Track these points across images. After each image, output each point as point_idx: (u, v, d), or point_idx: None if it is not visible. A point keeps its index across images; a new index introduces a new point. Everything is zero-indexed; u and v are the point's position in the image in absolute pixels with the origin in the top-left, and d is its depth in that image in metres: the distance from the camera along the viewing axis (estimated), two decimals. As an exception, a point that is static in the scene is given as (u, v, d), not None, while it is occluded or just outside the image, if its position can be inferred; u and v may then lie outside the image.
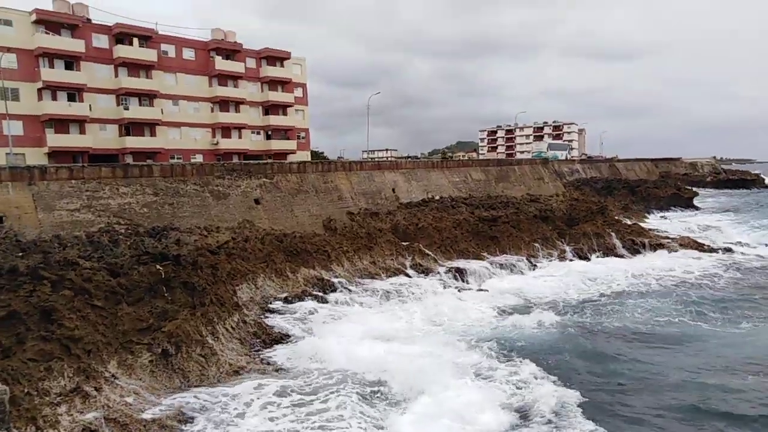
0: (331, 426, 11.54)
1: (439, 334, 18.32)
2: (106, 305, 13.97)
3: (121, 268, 15.86)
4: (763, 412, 12.33)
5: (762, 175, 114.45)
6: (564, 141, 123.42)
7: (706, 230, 41.00)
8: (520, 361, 15.34)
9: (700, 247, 32.70)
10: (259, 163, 29.79)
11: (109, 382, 11.96)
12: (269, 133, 55.47)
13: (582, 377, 14.76)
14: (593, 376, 14.93)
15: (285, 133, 56.46)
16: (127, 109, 43.79)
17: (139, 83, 44.29)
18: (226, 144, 50.56)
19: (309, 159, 49.57)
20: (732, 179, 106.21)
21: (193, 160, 44.36)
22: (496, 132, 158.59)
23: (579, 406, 12.70)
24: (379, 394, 13.36)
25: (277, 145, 54.65)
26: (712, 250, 32.12)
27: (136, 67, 44.29)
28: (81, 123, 41.10)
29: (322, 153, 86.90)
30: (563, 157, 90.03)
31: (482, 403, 12.57)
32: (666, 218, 51.06)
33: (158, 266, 16.03)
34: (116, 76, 43.48)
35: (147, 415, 11.39)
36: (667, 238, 35.02)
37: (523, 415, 12.41)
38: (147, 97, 45.49)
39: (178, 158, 45.23)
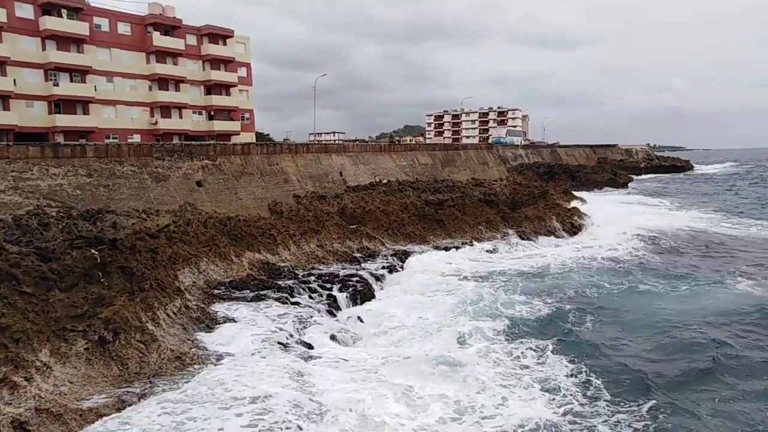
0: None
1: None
2: (36, 291, 13.20)
3: (52, 252, 15.03)
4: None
5: (691, 161, 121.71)
6: (519, 128, 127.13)
7: (637, 210, 43.31)
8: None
9: (630, 227, 34.42)
10: (202, 145, 28.85)
11: (40, 372, 11.36)
12: (212, 113, 53.80)
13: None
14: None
15: (228, 113, 54.91)
16: (56, 85, 41.23)
17: (70, 58, 41.73)
18: (165, 124, 48.62)
19: (254, 141, 48.46)
20: (664, 165, 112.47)
21: (130, 140, 42.39)
22: (442, 117, 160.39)
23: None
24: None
25: (220, 126, 53.10)
26: (643, 232, 33.84)
27: (65, 41, 41.68)
28: (5, 98, 38.39)
29: (268, 135, 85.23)
30: (519, 143, 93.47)
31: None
32: (603, 203, 53.46)
33: (93, 250, 15.29)
34: (44, 49, 40.76)
35: (83, 405, 10.92)
36: (602, 219, 36.65)
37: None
38: (79, 73, 42.98)
39: (114, 138, 43.13)
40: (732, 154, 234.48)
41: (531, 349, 15.25)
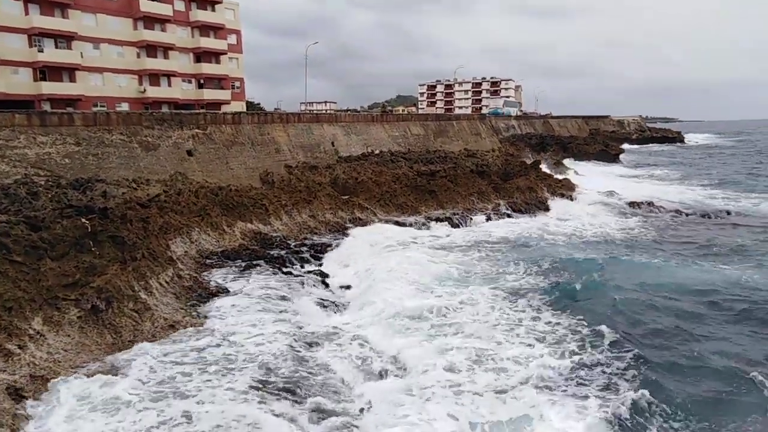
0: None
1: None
2: (26, 260, 13.18)
3: (42, 221, 14.93)
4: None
5: (682, 133, 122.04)
6: (514, 99, 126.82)
7: (626, 185, 43.58)
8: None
9: (619, 198, 34.67)
10: (192, 113, 28.46)
11: (34, 340, 11.44)
12: (201, 81, 52.92)
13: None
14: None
15: (218, 82, 54.04)
16: (41, 51, 40.23)
17: (54, 23, 40.64)
18: (154, 92, 47.82)
19: (244, 110, 47.86)
20: (655, 136, 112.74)
21: (118, 109, 41.70)
22: (435, 87, 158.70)
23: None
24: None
25: (210, 94, 52.31)
26: (634, 204, 34.08)
27: (49, 5, 40.54)
28: (-13, 65, 37.51)
29: (258, 104, 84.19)
30: (516, 113, 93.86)
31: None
32: (595, 174, 53.70)
33: (83, 219, 15.22)
34: (27, 14, 39.65)
35: (79, 372, 11.05)
36: (594, 190, 36.86)
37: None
38: (64, 39, 41.95)
39: (101, 106, 42.41)
40: (721, 126, 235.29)
41: (520, 304, 15.65)
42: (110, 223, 15.95)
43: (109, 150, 22.70)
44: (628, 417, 10.23)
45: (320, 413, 10.45)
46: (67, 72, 42.16)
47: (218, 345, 13.00)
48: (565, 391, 11.25)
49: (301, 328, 14.49)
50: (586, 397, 10.98)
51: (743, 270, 19.41)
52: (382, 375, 12.22)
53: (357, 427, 10.07)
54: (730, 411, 10.40)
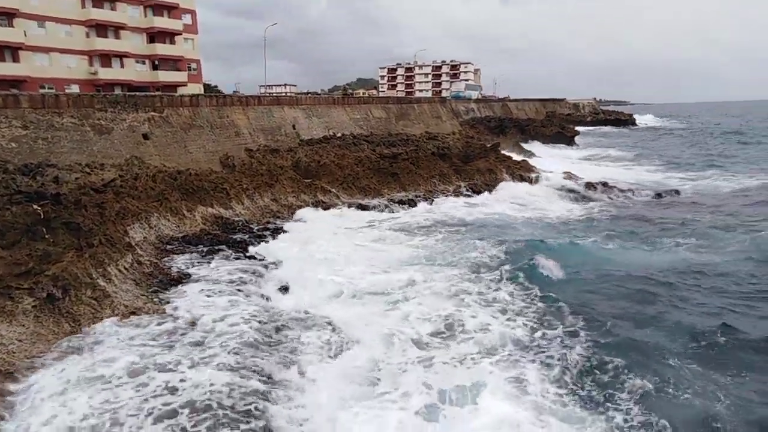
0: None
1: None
2: (-25, 249, 12.64)
3: (-11, 208, 14.30)
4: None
5: (634, 115, 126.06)
6: (474, 83, 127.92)
7: (582, 166, 44.88)
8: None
9: (578, 180, 35.63)
10: (147, 96, 27.55)
11: (-14, 331, 11.04)
12: (156, 63, 51.14)
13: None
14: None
15: (174, 63, 52.34)
16: (-20, 29, 37.99)
17: (-7, -1, 38.37)
18: (106, 74, 45.96)
19: (202, 92, 46.59)
20: (609, 119, 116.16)
21: (68, 91, 39.89)
22: (396, 70, 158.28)
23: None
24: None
25: (165, 76, 50.64)
26: (590, 185, 35.07)
27: (-13, -20, 38.20)
28: None
29: (216, 87, 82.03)
30: (477, 97, 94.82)
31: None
32: (551, 156, 55.02)
33: (35, 206, 14.65)
34: (-38, -12, 37.30)
35: (35, 362, 10.74)
36: (551, 172, 37.77)
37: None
38: (4, 16, 39.69)
39: (49, 88, 40.45)
40: (671, 109, 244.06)
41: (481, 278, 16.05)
42: (64, 209, 15.42)
43: (59, 134, 21.78)
44: (580, 383, 10.83)
45: (288, 391, 10.55)
46: (10, 51, 39.95)
47: (183, 330, 12.87)
48: (521, 360, 11.73)
49: (267, 311, 14.44)
50: (548, 365, 11.54)
51: (692, 248, 20.33)
52: (343, 350, 12.41)
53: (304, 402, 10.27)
54: (675, 381, 11.03)
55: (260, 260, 18.96)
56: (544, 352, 12.15)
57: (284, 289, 16.44)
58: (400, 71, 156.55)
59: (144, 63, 50.12)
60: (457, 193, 31.99)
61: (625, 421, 9.66)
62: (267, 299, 15.44)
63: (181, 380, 10.56)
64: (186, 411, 9.67)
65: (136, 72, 48.71)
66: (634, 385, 10.60)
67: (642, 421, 9.61)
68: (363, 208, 27.92)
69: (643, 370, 11.17)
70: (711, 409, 9.90)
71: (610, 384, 10.81)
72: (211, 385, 10.39)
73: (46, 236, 14.24)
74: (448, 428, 9.57)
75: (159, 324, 13.15)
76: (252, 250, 19.87)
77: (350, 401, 10.31)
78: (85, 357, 11.28)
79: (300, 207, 26.84)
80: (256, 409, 9.87)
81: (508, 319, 13.87)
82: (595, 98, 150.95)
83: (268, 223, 24.20)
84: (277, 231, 22.80)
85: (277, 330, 13.35)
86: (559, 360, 11.76)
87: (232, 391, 10.29)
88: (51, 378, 10.36)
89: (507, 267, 17.62)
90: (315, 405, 10.17)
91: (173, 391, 10.25)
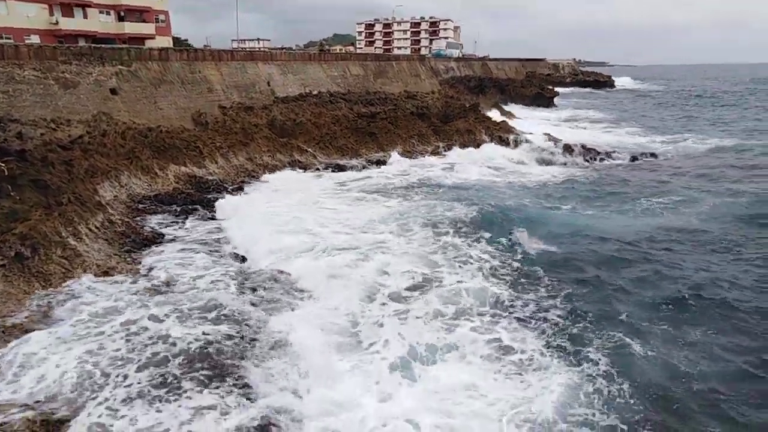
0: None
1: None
2: (-65, 207, 12.14)
3: (-51, 165, 13.68)
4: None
5: (613, 77, 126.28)
6: (454, 41, 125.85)
7: (561, 128, 45.03)
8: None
9: (557, 141, 35.75)
10: (114, 48, 26.33)
11: (-48, 291, 10.72)
12: (121, 14, 48.77)
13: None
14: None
15: (140, 14, 50.03)
16: (-72, -28, 35.50)
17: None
18: (68, 24, 43.70)
19: (171, 46, 44.78)
20: (587, 80, 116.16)
21: (27, 42, 37.88)
22: (373, 26, 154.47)
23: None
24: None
25: (131, 28, 48.45)
26: (567, 146, 35.23)
27: None
28: None
29: (186, 40, 78.95)
30: (458, 55, 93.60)
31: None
32: (530, 116, 54.98)
33: (-2, 163, 14.06)
34: None
35: (7, 321, 10.51)
36: (530, 133, 37.77)
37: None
38: (-44, -40, 37.14)
39: (7, 38, 38.33)
40: (654, 71, 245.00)
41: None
42: (30, 166, 14.85)
43: (21, 87, 20.73)
44: (552, 339, 11.12)
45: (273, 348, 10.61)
46: (-36, -2, 37.61)
47: (159, 289, 12.73)
48: (495, 318, 11.94)
49: (242, 272, 14.33)
50: (522, 320, 11.80)
51: (667, 210, 20.69)
52: (317, 302, 12.64)
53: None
54: (643, 338, 11.38)
55: (227, 220, 18.63)
56: (518, 310, 12.39)
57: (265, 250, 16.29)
58: (378, 27, 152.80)
59: (109, 14, 47.73)
60: (435, 154, 31.83)
61: (594, 372, 9.97)
62: (242, 260, 15.30)
63: (166, 334, 10.65)
64: (177, 360, 9.89)
65: (100, 23, 46.44)
66: (604, 343, 10.93)
67: (606, 371, 9.95)
68: (340, 168, 27.65)
69: (614, 328, 11.51)
70: (673, 363, 10.31)
71: (579, 340, 11.10)
72: (192, 338, 10.45)
73: (12, 194, 13.74)
74: (422, 384, 9.71)
75: (133, 283, 12.98)
76: (221, 210, 19.43)
77: (331, 352, 10.47)
78: (64, 313, 11.16)
79: (276, 167, 26.44)
80: (234, 362, 9.94)
81: (483, 279, 14.03)
82: (575, 59, 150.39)
83: (243, 182, 23.81)
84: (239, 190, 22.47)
85: (254, 289, 13.29)
86: (532, 317, 12.03)
87: (208, 345, 10.31)
88: (40, 334, 10.36)
89: (483, 229, 17.71)
90: (294, 355, 10.30)
91: (159, 341, 10.41)
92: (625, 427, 8.64)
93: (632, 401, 9.22)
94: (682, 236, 17.61)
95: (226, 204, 19.73)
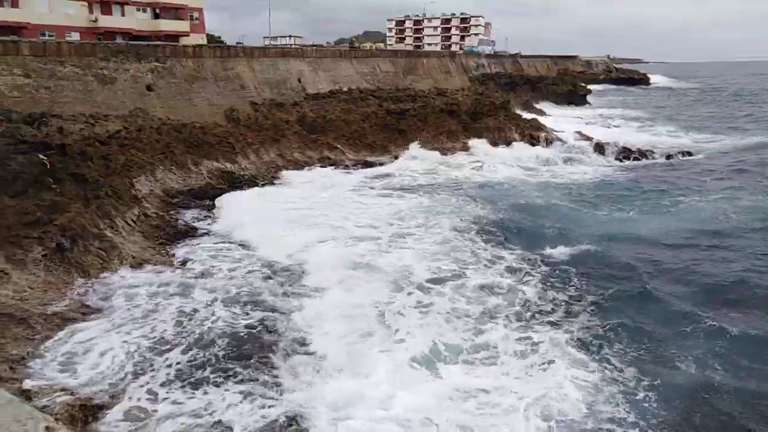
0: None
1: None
2: (-18, 198, 12.65)
3: (-5, 158, 14.22)
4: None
5: (648, 74, 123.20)
6: (487, 37, 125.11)
7: (595, 126, 44.18)
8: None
9: (589, 140, 35.07)
10: (150, 45, 26.97)
11: (-2, 278, 11.18)
12: (157, 11, 49.81)
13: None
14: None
15: (175, 12, 50.97)
16: (-23, -28, 36.91)
17: (-10, -59, 37.09)
18: (106, 22, 44.88)
19: (205, 43, 45.58)
20: (622, 77, 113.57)
21: (68, 39, 39.07)
22: (404, 22, 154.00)
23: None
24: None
25: (167, 25, 49.43)
26: (600, 145, 34.54)
27: None
28: None
29: (219, 38, 80.00)
30: (490, 52, 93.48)
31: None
32: (562, 114, 54.08)
33: (41, 156, 14.55)
34: (-42, -71, 36.03)
35: (47, 309, 10.92)
36: (561, 132, 37.20)
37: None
38: (2, -40, 38.49)
39: (50, 35, 39.61)
40: (682, 68, 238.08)
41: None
42: (70, 160, 15.34)
43: (62, 83, 21.44)
44: (580, 340, 10.91)
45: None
46: (9, -3, 38.97)
47: (195, 279, 13.07)
48: (524, 317, 11.82)
49: (271, 266, 14.51)
50: (551, 323, 11.61)
51: (703, 211, 19.97)
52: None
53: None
54: (673, 344, 11.07)
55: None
56: (545, 311, 12.20)
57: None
58: (409, 24, 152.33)
59: (145, 11, 48.85)
60: (464, 150, 31.59)
61: (619, 377, 9.76)
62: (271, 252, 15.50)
63: (211, 316, 11.27)
64: (221, 341, 10.40)
65: (137, 20, 47.55)
66: (633, 346, 10.69)
67: (634, 376, 9.74)
68: (368, 165, 27.71)
69: (645, 331, 11.23)
70: (702, 376, 9.82)
71: (608, 342, 10.85)
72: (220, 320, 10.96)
73: (53, 186, 14.22)
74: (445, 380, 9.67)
75: (170, 273, 13.36)
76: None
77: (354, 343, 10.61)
78: (104, 302, 11.58)
79: (306, 162, 26.69)
80: (264, 353, 10.16)
81: (511, 278, 13.88)
82: (608, 56, 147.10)
83: (274, 178, 24.11)
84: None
85: (282, 282, 13.45)
86: (560, 319, 11.85)
87: (242, 335, 10.60)
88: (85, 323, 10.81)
89: (512, 229, 17.50)
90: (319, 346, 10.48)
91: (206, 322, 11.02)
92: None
93: (657, 405, 8.97)
94: (719, 237, 17.04)
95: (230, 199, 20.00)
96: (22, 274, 11.70)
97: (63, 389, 8.73)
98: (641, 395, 9.26)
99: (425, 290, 12.96)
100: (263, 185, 22.65)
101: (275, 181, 23.78)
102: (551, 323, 11.69)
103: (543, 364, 10.14)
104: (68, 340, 10.13)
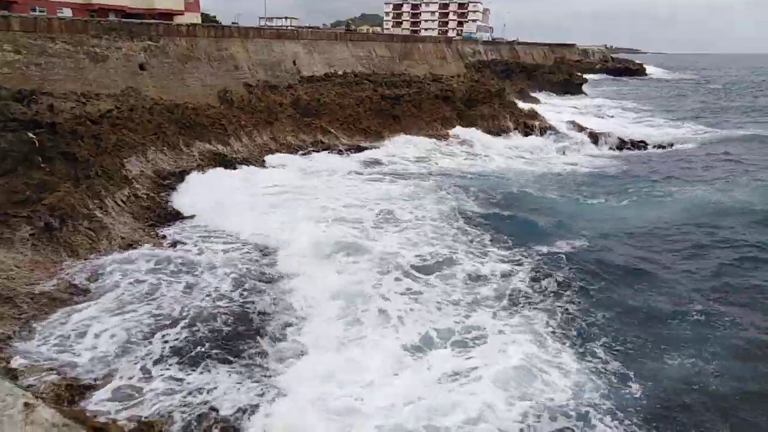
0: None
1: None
2: (-30, 176, 12.54)
3: (-17, 135, 14.06)
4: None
5: (644, 65, 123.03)
6: (484, 24, 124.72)
7: (590, 115, 44.18)
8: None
9: (584, 130, 35.08)
10: (143, 23, 26.54)
11: (-16, 257, 11.13)
12: (152, -12, 49.02)
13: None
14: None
15: (170, -10, 50.18)
16: (-34, -56, 36.07)
17: None
18: (99, -2, 44.11)
19: (199, 22, 44.98)
20: (618, 67, 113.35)
21: (60, 15, 38.40)
22: (401, 6, 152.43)
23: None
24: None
25: (161, 3, 48.76)
26: (594, 134, 34.55)
27: None
28: None
29: (214, 17, 78.96)
30: (488, 39, 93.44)
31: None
32: (558, 104, 54.00)
33: (30, 134, 14.41)
34: None
35: (35, 289, 10.90)
36: (557, 121, 37.17)
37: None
38: (-8, -69, 37.60)
39: (40, 11, 38.93)
40: (681, 60, 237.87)
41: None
42: (60, 138, 15.19)
43: (53, 60, 21.11)
44: (566, 331, 11.02)
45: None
46: (-1, -30, 38.13)
47: (183, 260, 13.08)
48: (513, 306, 11.92)
49: (262, 248, 14.56)
50: (543, 310, 11.70)
51: (699, 201, 20.11)
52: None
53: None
54: (665, 338, 11.23)
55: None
56: (535, 300, 12.29)
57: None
58: (406, 8, 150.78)
59: (139, -12, 48.10)
60: (457, 137, 31.54)
61: (606, 368, 9.89)
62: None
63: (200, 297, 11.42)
64: (211, 323, 10.53)
65: (131, -2, 46.87)
66: (621, 337, 10.82)
67: (619, 368, 9.87)
68: (361, 150, 27.63)
69: (634, 321, 11.38)
70: (693, 369, 9.93)
71: (597, 333, 10.99)
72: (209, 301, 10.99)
73: (43, 165, 14.10)
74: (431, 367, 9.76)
75: (161, 253, 13.35)
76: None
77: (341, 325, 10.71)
78: (91, 282, 11.60)
79: (299, 146, 26.58)
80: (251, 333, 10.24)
81: (502, 266, 13.95)
82: (606, 45, 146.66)
83: (265, 161, 23.99)
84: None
85: (272, 263, 13.52)
86: (549, 308, 11.95)
87: (232, 317, 10.63)
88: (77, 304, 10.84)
89: (504, 218, 17.57)
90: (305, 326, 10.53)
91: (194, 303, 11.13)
92: (632, 422, 8.59)
93: (642, 396, 9.11)
94: (712, 229, 17.10)
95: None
96: (9, 253, 11.66)
97: (50, 369, 8.76)
98: (626, 385, 9.39)
99: (413, 277, 13.04)
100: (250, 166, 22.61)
101: (265, 164, 23.70)
102: (539, 310, 11.78)
103: (528, 353, 10.22)
104: (56, 320, 10.15)
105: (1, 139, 14.06)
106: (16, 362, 8.65)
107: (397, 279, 12.77)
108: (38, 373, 8.52)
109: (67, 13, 41.10)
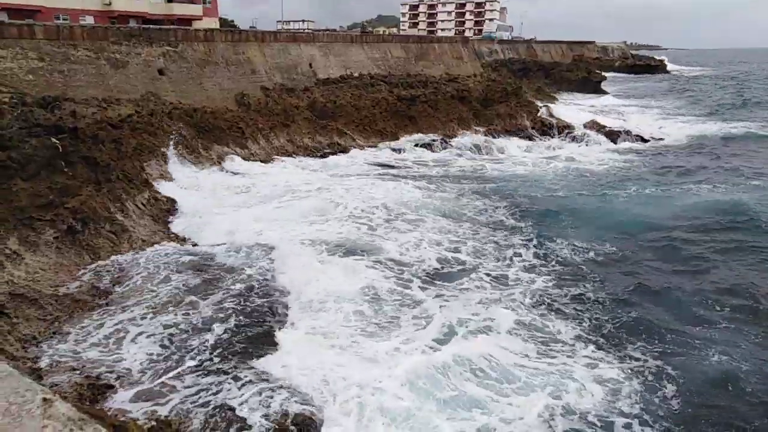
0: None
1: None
2: (-4, 180, 12.89)
3: (9, 140, 14.44)
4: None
5: (666, 61, 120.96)
6: (503, 23, 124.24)
7: (609, 114, 43.63)
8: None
9: (602, 129, 34.67)
10: (162, 29, 27.01)
11: (11, 259, 11.42)
12: (170, -6, 49.79)
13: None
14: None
15: (189, -5, 50.92)
16: (-8, -45, 37.09)
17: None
18: (120, 5, 45.01)
19: (217, 27, 45.57)
20: (638, 64, 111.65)
21: (82, 23, 39.25)
22: (417, 7, 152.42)
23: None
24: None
25: (180, 9, 49.49)
26: (613, 133, 34.15)
27: None
28: (-65, -30, 34.58)
29: (232, 21, 79.90)
30: (507, 37, 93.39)
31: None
32: (576, 102, 53.43)
33: (53, 139, 14.77)
34: None
35: (59, 291, 11.17)
36: (575, 119, 36.77)
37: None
38: (17, -58, 38.59)
39: (64, 19, 39.82)
40: (701, 56, 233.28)
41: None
42: (82, 143, 15.54)
43: (75, 67, 21.63)
44: (598, 332, 10.89)
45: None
46: (24, -20, 39.14)
47: (203, 261, 13.29)
48: (538, 307, 11.83)
49: (275, 249, 14.65)
50: (565, 314, 11.58)
51: (725, 201, 19.51)
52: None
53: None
54: (697, 338, 11.04)
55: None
56: (558, 302, 12.08)
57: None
58: (423, 8, 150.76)
59: (158, -6, 48.89)
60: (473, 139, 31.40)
61: (638, 370, 9.71)
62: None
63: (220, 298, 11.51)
64: (228, 324, 10.67)
65: (150, 4, 47.63)
66: (646, 339, 10.61)
67: (649, 371, 9.66)
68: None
69: (659, 325, 11.10)
70: (726, 371, 9.65)
71: (624, 335, 10.75)
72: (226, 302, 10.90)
73: (65, 170, 14.43)
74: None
75: (182, 255, 13.57)
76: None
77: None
78: (114, 284, 11.85)
79: (316, 148, 26.75)
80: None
81: (523, 269, 13.78)
82: (625, 42, 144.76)
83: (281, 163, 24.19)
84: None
85: (285, 263, 13.60)
86: (573, 310, 11.77)
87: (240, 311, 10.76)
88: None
89: (525, 218, 17.40)
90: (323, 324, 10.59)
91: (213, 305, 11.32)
92: (669, 423, 8.44)
93: (674, 402, 8.90)
94: (737, 230, 16.60)
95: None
96: (35, 256, 11.96)
97: (73, 369, 8.97)
98: (662, 386, 9.23)
99: (432, 277, 13.03)
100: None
101: (281, 165, 23.94)
102: (564, 314, 11.57)
103: (551, 355, 10.12)
104: (78, 321, 10.38)
105: (26, 144, 14.44)
106: (42, 362, 8.88)
107: (413, 279, 12.78)
108: (62, 372, 8.73)
109: (89, 20, 41.99)
